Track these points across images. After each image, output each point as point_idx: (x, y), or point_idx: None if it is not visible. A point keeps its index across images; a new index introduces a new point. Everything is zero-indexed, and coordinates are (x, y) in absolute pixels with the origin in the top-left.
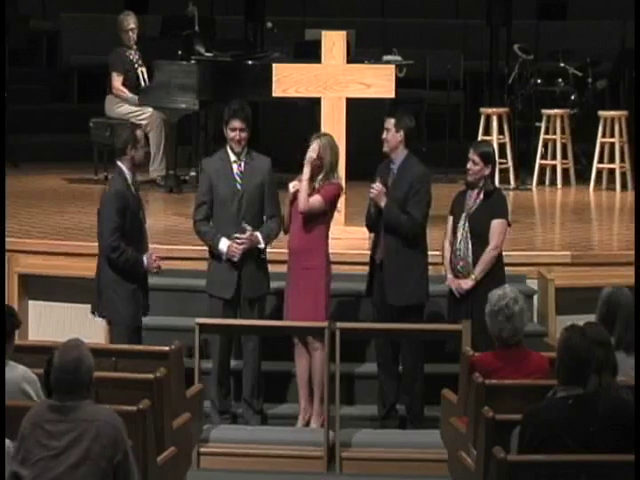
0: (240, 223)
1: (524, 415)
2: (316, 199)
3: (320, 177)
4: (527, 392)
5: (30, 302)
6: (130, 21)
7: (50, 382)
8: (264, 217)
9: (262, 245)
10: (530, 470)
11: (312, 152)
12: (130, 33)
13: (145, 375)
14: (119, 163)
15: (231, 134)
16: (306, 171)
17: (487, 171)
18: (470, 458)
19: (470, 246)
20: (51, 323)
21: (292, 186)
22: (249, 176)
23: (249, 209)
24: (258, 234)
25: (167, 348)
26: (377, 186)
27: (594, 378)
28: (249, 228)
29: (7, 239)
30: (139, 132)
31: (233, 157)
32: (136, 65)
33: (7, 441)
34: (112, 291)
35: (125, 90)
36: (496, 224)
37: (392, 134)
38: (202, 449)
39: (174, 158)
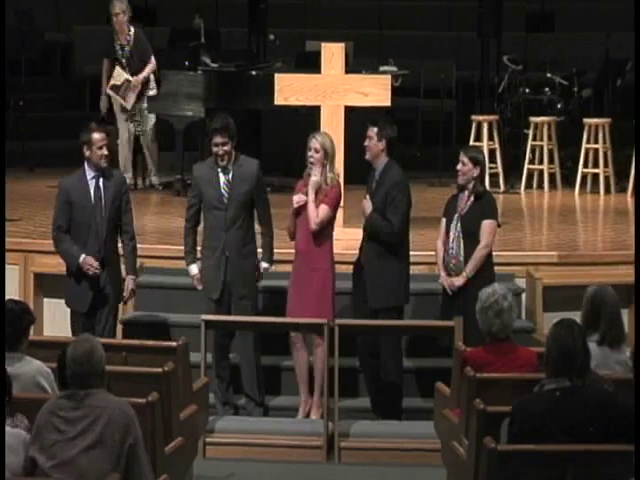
0: (227, 230)
1: (513, 407)
2: (324, 210)
3: (326, 171)
4: (516, 385)
5: (45, 300)
6: (116, 6)
7: (64, 375)
8: (254, 222)
9: (268, 266)
10: (519, 459)
11: (316, 176)
12: (115, 18)
13: (154, 369)
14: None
15: (214, 149)
16: (311, 193)
17: (476, 172)
18: (462, 448)
19: (462, 245)
20: (64, 320)
21: (296, 202)
22: (237, 185)
23: (236, 216)
24: (263, 264)
25: (174, 343)
26: (365, 202)
27: (580, 371)
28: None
29: (23, 240)
30: (96, 134)
31: (220, 167)
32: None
33: (22, 431)
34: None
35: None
36: (486, 224)
37: (374, 142)
38: (208, 439)
39: (181, 163)
